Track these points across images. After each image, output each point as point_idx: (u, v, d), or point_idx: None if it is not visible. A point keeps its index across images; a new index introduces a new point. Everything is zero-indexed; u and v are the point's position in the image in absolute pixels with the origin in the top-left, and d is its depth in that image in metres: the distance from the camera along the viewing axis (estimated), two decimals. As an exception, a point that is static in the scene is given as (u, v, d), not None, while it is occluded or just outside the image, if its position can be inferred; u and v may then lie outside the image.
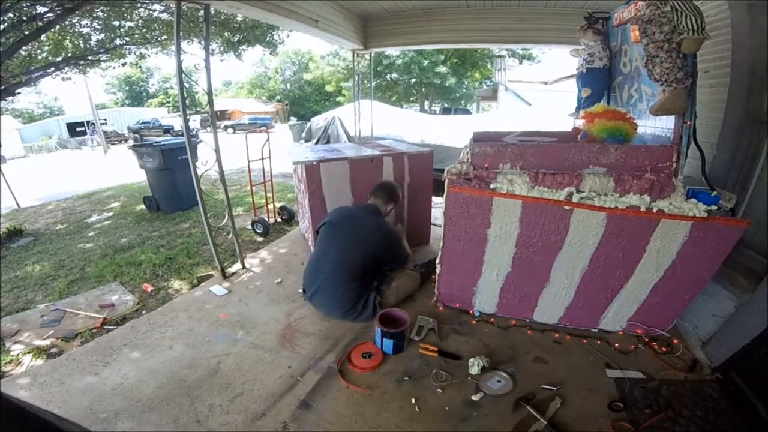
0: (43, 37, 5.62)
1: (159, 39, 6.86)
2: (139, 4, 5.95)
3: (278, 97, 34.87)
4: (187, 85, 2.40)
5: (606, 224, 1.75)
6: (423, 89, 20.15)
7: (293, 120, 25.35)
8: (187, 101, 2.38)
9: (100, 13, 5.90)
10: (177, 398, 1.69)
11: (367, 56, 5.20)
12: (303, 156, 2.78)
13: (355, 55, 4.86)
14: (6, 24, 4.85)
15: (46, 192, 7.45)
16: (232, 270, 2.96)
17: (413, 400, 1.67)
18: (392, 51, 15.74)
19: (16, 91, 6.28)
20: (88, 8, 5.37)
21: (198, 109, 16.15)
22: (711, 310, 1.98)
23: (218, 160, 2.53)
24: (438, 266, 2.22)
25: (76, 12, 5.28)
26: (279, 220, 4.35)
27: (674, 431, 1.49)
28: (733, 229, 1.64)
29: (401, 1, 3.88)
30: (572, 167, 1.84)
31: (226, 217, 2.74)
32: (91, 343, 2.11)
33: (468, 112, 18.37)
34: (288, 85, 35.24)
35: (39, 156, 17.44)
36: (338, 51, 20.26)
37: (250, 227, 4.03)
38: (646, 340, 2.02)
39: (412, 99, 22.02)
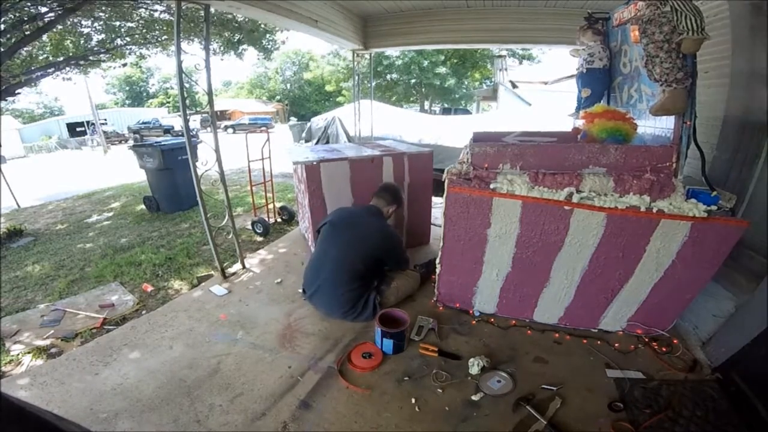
0: (44, 37, 5.63)
1: (159, 39, 6.87)
2: (139, 5, 5.95)
3: (278, 97, 34.85)
4: (187, 85, 2.40)
5: (606, 224, 1.75)
6: (423, 89, 20.18)
7: (293, 120, 25.36)
8: (187, 101, 2.38)
9: (100, 14, 5.91)
10: (177, 398, 1.69)
11: (367, 56, 5.20)
12: (303, 156, 2.78)
13: (355, 55, 4.86)
14: (7, 24, 4.86)
15: (46, 192, 7.45)
16: (232, 270, 2.96)
17: (413, 400, 1.67)
18: (392, 51, 15.76)
19: (17, 91, 6.30)
20: (88, 8, 5.37)
21: (198, 109, 16.13)
22: (711, 310, 1.98)
23: (218, 160, 2.53)
24: (438, 266, 2.22)
25: (77, 12, 5.29)
26: (279, 220, 4.35)
27: (674, 431, 1.49)
28: (732, 229, 1.64)
29: (401, 1, 3.88)
30: (572, 167, 1.84)
31: (226, 217, 2.74)
32: (91, 343, 2.11)
33: (468, 112, 18.38)
34: (288, 85, 35.22)
35: (39, 156, 17.44)
36: (338, 50, 20.28)
37: (250, 227, 4.03)
38: (646, 340, 2.02)
39: (412, 99, 22.05)
